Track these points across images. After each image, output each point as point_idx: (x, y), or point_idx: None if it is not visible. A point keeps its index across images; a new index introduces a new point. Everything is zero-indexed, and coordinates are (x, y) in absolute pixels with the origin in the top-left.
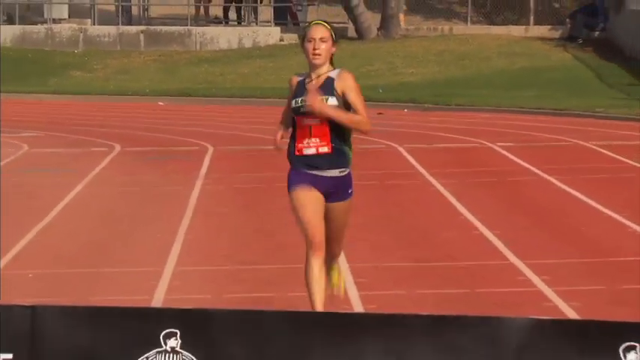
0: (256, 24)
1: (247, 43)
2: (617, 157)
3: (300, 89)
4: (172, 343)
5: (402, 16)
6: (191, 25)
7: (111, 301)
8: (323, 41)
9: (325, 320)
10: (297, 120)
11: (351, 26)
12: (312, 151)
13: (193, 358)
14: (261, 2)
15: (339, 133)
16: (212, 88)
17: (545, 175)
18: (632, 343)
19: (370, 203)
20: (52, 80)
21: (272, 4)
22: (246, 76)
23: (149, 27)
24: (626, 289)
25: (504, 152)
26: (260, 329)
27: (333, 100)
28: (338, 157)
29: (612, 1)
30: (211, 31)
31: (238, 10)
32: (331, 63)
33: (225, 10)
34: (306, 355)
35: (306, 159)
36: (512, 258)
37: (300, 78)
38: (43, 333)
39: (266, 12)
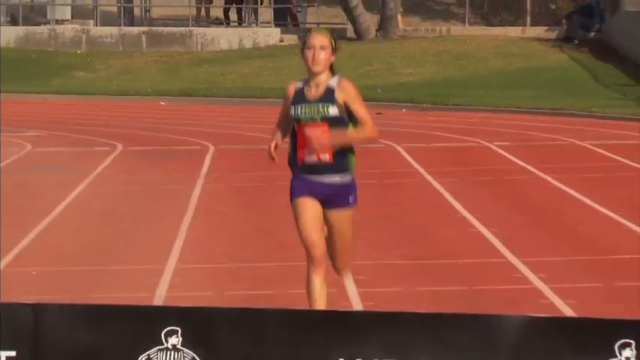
0: (256, 25)
1: (247, 44)
2: (613, 156)
3: (300, 97)
4: (173, 340)
5: (399, 17)
6: (192, 26)
7: (113, 299)
8: (323, 49)
9: (324, 318)
10: (297, 128)
11: (350, 27)
12: (313, 159)
13: (194, 355)
14: (261, 3)
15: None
16: (213, 88)
17: (542, 174)
18: (628, 340)
19: (369, 202)
20: (55, 80)
21: (272, 5)
22: (247, 77)
23: (151, 28)
24: (621, 286)
25: (501, 151)
26: (260, 327)
27: (334, 109)
28: (339, 162)
29: (608, 3)
30: (212, 32)
31: (239, 12)
32: (331, 71)
33: (226, 12)
34: (306, 353)
35: (307, 168)
36: (509, 256)
37: (299, 85)
38: (45, 331)
39: (266, 13)
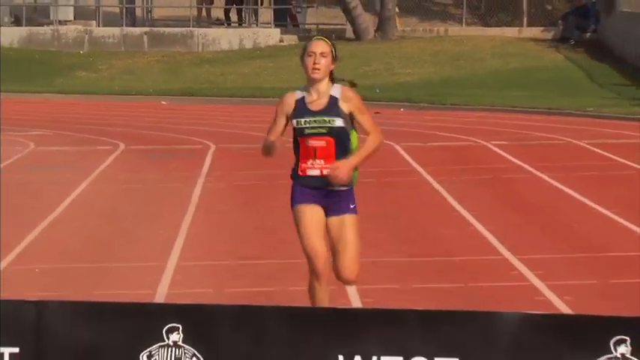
0: (257, 26)
1: (248, 45)
2: (608, 155)
3: (302, 109)
4: (174, 337)
5: (396, 18)
6: (193, 27)
7: (115, 295)
8: (323, 56)
9: (324, 315)
10: (300, 141)
11: (349, 27)
12: (316, 172)
13: (195, 352)
14: (261, 4)
15: (344, 152)
16: (214, 88)
17: (538, 173)
18: (623, 337)
19: (367, 200)
20: (58, 80)
21: (272, 6)
22: (247, 76)
23: (152, 28)
24: (616, 283)
25: (498, 150)
26: (260, 324)
27: (339, 121)
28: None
29: (603, 4)
30: (213, 32)
31: (239, 12)
32: (331, 79)
33: (227, 12)
34: (305, 350)
35: (309, 179)
36: (506, 253)
37: (299, 96)
38: (48, 327)
39: (266, 14)
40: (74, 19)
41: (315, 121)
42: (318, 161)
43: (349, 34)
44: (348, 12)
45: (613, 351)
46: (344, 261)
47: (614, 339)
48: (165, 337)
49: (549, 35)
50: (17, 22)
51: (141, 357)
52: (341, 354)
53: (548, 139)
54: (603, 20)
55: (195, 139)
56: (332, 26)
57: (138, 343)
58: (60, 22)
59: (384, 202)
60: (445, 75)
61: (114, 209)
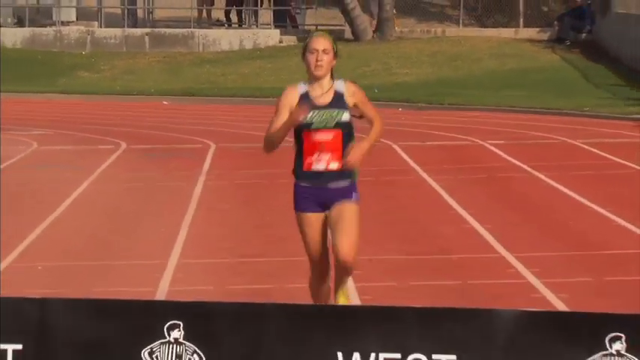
0: (257, 26)
1: (248, 45)
2: (603, 154)
3: (307, 102)
4: (176, 334)
5: (394, 19)
6: (194, 28)
7: (117, 293)
8: (325, 53)
9: (323, 312)
10: (305, 135)
11: (347, 28)
12: (322, 166)
13: (196, 348)
14: (261, 5)
15: (349, 145)
16: (214, 88)
17: (535, 172)
18: (618, 334)
19: (366, 199)
20: (60, 80)
21: (272, 7)
22: (247, 77)
23: (154, 29)
24: (612, 280)
25: (495, 150)
26: (260, 321)
27: (347, 115)
28: (345, 171)
29: (598, 5)
30: (213, 33)
31: (239, 13)
32: (331, 76)
33: (227, 13)
34: (305, 346)
35: (313, 174)
36: (503, 251)
37: (302, 90)
38: (51, 324)
39: (266, 15)
40: (76, 20)
41: (322, 114)
42: (324, 155)
43: (348, 34)
44: (346, 13)
45: (608, 348)
46: (342, 241)
47: (609, 336)
48: (166, 334)
49: (545, 36)
50: (20, 23)
51: (142, 354)
52: (340, 351)
53: (544, 138)
54: (599, 21)
55: (196, 138)
56: (331, 27)
57: (139, 340)
58: (62, 23)
59: (382, 201)
60: (443, 75)
61: (115, 208)
